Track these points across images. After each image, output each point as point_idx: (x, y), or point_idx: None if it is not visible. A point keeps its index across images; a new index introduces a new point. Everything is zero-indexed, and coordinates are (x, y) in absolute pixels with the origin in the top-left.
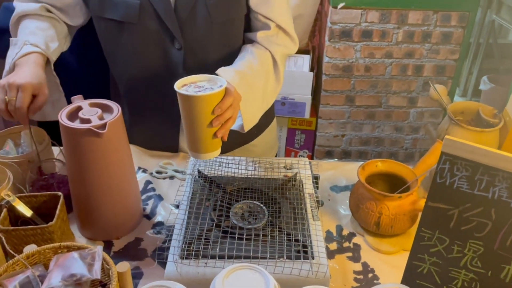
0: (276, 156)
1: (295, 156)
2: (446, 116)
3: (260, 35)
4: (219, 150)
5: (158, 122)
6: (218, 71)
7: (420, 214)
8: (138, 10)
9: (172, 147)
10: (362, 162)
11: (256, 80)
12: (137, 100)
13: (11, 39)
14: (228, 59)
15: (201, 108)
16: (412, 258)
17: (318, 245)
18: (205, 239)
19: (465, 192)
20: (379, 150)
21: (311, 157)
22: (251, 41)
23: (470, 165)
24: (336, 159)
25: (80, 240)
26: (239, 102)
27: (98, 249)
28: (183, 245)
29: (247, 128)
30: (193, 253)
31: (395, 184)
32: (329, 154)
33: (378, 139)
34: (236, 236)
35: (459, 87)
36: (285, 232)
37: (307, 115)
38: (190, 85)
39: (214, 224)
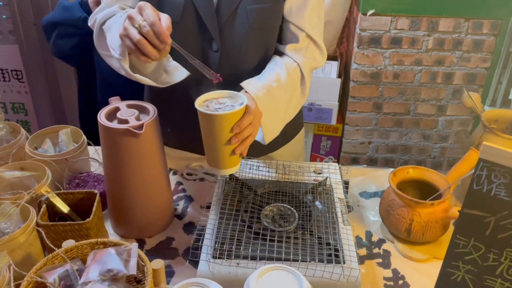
0: None
1: (321, 162)
2: (479, 124)
3: (289, 48)
4: (238, 166)
5: (188, 124)
6: (244, 83)
7: (451, 222)
8: (181, 9)
9: (200, 150)
10: (393, 169)
11: (282, 93)
12: (170, 101)
13: (104, 27)
14: (260, 68)
15: (220, 126)
16: (446, 265)
17: (350, 249)
18: (237, 239)
19: (502, 200)
20: (406, 158)
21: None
22: (280, 53)
23: (508, 172)
24: (365, 165)
25: (113, 237)
26: (259, 119)
27: (134, 246)
28: (216, 245)
29: (267, 140)
30: (226, 253)
31: (426, 191)
32: (355, 161)
33: (405, 147)
34: (268, 238)
35: (488, 97)
36: (316, 236)
37: (333, 121)
38: (211, 101)
39: (246, 226)
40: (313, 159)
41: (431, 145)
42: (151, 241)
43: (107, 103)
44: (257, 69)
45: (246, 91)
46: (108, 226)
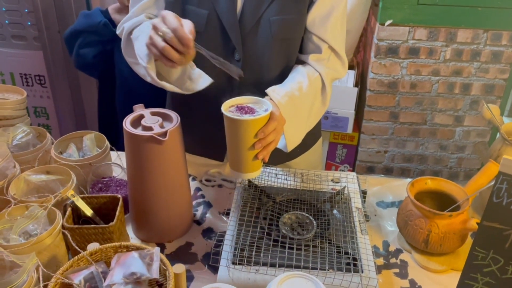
0: None
1: (336, 170)
2: (498, 136)
3: (312, 58)
4: (260, 171)
5: (208, 131)
6: (269, 90)
7: (469, 234)
8: (205, 19)
9: (220, 156)
10: (410, 179)
11: (303, 102)
12: (191, 109)
13: (132, 36)
14: (282, 77)
15: (245, 131)
16: (464, 277)
17: (368, 258)
18: (256, 246)
19: None
20: (422, 168)
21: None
22: (303, 62)
23: None
24: (382, 175)
25: (134, 241)
26: (283, 126)
27: (156, 250)
28: (236, 251)
29: (290, 148)
30: (246, 259)
31: (443, 203)
32: (370, 170)
33: (421, 156)
34: (287, 245)
35: (506, 108)
36: (334, 244)
37: (349, 129)
38: (236, 106)
39: (265, 233)
40: (328, 167)
41: (447, 155)
42: (171, 246)
43: (126, 110)
44: (278, 78)
45: (270, 98)
46: (129, 230)
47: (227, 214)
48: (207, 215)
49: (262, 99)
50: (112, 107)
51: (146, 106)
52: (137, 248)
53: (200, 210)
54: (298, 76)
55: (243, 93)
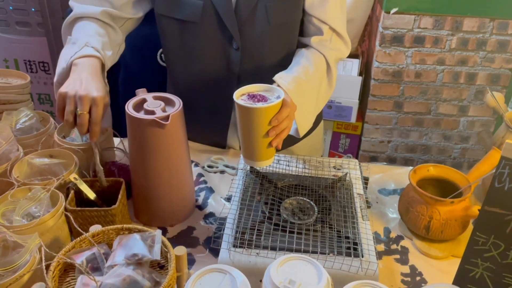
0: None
1: None
2: (502, 124)
3: (314, 40)
4: (273, 158)
5: (208, 119)
6: (276, 77)
7: (471, 220)
8: (201, 10)
9: (220, 144)
10: (413, 167)
11: (311, 86)
12: (191, 97)
13: (68, 37)
14: (283, 62)
15: (259, 119)
16: (464, 262)
17: (368, 243)
18: (257, 230)
19: None
20: (426, 158)
21: None
22: (305, 46)
23: None
24: (384, 163)
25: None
26: (294, 112)
27: (158, 232)
28: (237, 234)
29: (302, 133)
30: (246, 242)
31: (446, 190)
32: (373, 160)
33: (425, 146)
34: (288, 229)
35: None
36: (335, 229)
37: (353, 119)
38: (248, 95)
39: (266, 217)
40: (331, 156)
41: (451, 146)
42: (173, 230)
43: (129, 96)
44: (280, 64)
45: (278, 85)
46: (132, 215)
47: (229, 199)
48: (209, 200)
49: (273, 86)
50: (115, 93)
51: (149, 92)
52: (139, 231)
53: (202, 196)
54: (303, 60)
55: (243, 82)
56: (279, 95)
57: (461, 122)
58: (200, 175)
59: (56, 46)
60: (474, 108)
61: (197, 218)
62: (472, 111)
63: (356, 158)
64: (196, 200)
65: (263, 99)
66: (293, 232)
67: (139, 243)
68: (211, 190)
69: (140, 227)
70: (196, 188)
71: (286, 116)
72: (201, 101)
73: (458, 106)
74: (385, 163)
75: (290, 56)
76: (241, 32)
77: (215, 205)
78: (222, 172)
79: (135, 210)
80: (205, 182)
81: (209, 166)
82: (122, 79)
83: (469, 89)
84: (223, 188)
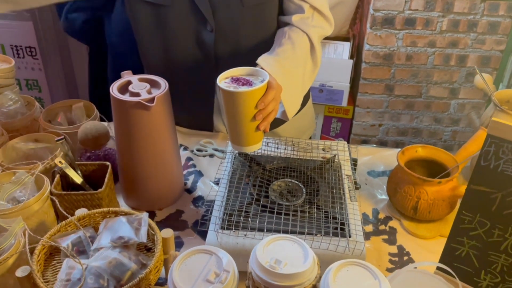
0: (310, 138)
1: None
2: (490, 104)
3: (295, 18)
4: (261, 142)
5: (191, 105)
6: (259, 60)
7: (459, 200)
8: None
9: (207, 126)
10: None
11: (295, 66)
12: (171, 81)
13: None
14: (261, 44)
15: (244, 103)
16: (450, 240)
17: (356, 223)
18: (245, 212)
19: (509, 176)
20: (417, 141)
21: None
22: (286, 24)
23: None
24: (374, 145)
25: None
26: (280, 93)
27: (144, 215)
28: (224, 216)
29: (290, 115)
30: (234, 224)
31: (434, 171)
32: (365, 143)
33: (416, 130)
34: (275, 211)
35: (503, 82)
36: (323, 210)
37: (344, 103)
38: (232, 78)
39: (254, 199)
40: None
41: (442, 129)
42: (161, 213)
43: (117, 78)
44: (258, 47)
45: (261, 68)
46: (120, 199)
47: (218, 183)
48: (198, 183)
49: (257, 69)
50: (103, 77)
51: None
52: (125, 214)
53: (191, 179)
54: (285, 40)
55: (221, 66)
56: (263, 78)
57: (452, 104)
58: (189, 159)
59: (42, 31)
60: (465, 91)
61: (186, 201)
62: (462, 93)
63: (347, 142)
64: (185, 184)
65: (247, 83)
66: (280, 214)
67: (125, 226)
68: (200, 174)
69: (126, 210)
70: (185, 172)
71: (272, 99)
72: (181, 87)
73: (448, 89)
74: (374, 145)
75: (269, 37)
76: (214, 14)
77: (204, 188)
78: (211, 155)
79: (123, 195)
80: (194, 166)
81: (198, 150)
82: (110, 63)
83: (459, 71)
84: (212, 172)
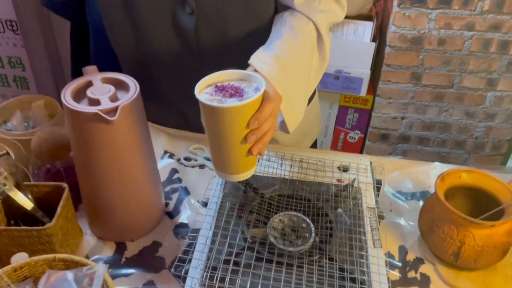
0: (315, 142)
1: (345, 137)
2: None
3: (298, 1)
4: (254, 169)
5: (173, 99)
6: (253, 59)
7: None
8: None
9: (198, 127)
10: (437, 164)
11: (298, 64)
12: (150, 75)
13: None
14: (254, 32)
15: (232, 122)
16: None
17: (381, 280)
18: (233, 263)
19: None
20: (444, 137)
21: (363, 140)
22: (287, 8)
23: None
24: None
25: (90, 239)
26: (280, 105)
27: (99, 269)
28: (206, 269)
29: (292, 128)
30: (217, 279)
31: (481, 202)
32: (384, 138)
33: (444, 124)
34: (274, 260)
35: None
36: (337, 264)
37: (363, 92)
38: (216, 86)
39: (247, 245)
40: (337, 133)
41: (474, 124)
42: (134, 246)
43: (100, 62)
44: (249, 37)
45: (255, 70)
46: (86, 224)
47: (205, 204)
48: (183, 204)
49: (249, 73)
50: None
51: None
52: (76, 264)
53: (174, 199)
54: (285, 30)
55: (205, 56)
56: (258, 86)
57: (488, 97)
58: (174, 170)
59: (21, 3)
60: (505, 82)
61: (166, 229)
62: (502, 85)
63: (365, 135)
64: (166, 205)
65: (237, 92)
66: (281, 264)
67: (71, 285)
68: (186, 192)
69: (78, 258)
70: (167, 188)
71: (269, 114)
72: (162, 82)
73: (486, 79)
74: (400, 156)
75: (263, 25)
76: None
77: (190, 212)
78: (201, 166)
79: (88, 221)
80: (180, 180)
81: (186, 159)
82: (92, 43)
83: (500, 59)
84: (201, 188)
